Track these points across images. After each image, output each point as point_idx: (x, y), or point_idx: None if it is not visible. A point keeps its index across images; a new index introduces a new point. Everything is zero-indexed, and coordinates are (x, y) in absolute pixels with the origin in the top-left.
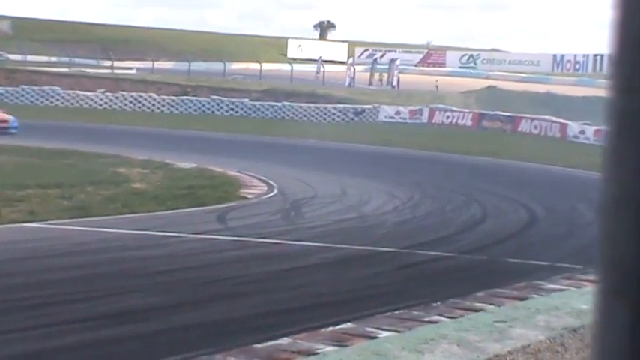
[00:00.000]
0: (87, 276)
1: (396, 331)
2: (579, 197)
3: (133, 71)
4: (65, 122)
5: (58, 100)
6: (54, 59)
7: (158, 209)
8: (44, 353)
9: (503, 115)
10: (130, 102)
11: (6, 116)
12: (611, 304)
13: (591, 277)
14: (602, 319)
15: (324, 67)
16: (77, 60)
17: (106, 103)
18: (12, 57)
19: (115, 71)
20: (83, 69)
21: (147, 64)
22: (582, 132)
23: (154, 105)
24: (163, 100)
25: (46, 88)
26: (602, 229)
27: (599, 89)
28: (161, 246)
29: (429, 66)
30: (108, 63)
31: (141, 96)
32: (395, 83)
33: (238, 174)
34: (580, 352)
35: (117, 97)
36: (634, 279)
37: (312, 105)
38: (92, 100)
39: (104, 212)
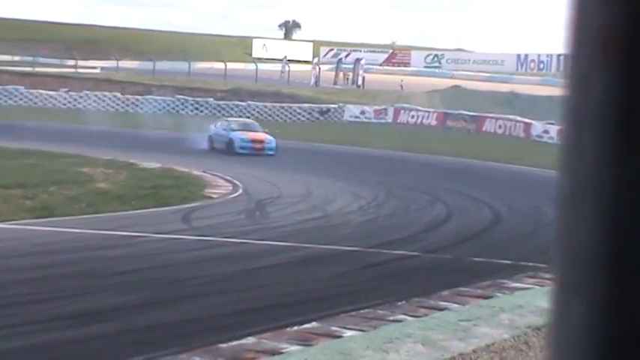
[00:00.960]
0: (50, 276)
1: (360, 330)
2: (543, 196)
3: (97, 71)
4: (28, 122)
5: (21, 99)
6: (17, 58)
7: (122, 209)
8: (7, 354)
9: (468, 115)
10: (94, 101)
11: (265, 136)
12: (568, 297)
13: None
14: (560, 312)
15: (289, 67)
16: (41, 59)
17: (69, 102)
18: None
19: (79, 71)
20: (47, 68)
21: (111, 63)
22: (546, 131)
23: (118, 104)
24: (128, 99)
25: (9, 87)
26: (560, 222)
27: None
28: (125, 246)
29: (393, 65)
30: (72, 62)
31: (105, 95)
32: (360, 83)
33: (203, 174)
34: (544, 351)
35: (81, 97)
36: (591, 272)
37: (277, 104)
38: (56, 99)
39: (68, 212)
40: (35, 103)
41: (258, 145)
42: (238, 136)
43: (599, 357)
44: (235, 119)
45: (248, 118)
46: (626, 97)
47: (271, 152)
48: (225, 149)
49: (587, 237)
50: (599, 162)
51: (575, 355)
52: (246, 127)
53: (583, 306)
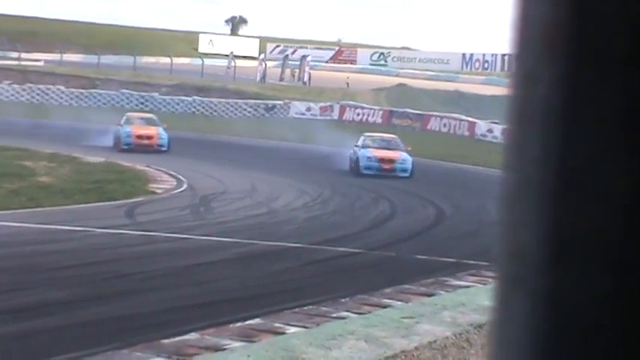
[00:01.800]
0: None
1: (304, 327)
2: (487, 195)
3: (41, 63)
4: None
5: None
6: None
7: (65, 203)
8: None
9: (413, 113)
10: (38, 94)
11: (399, 155)
12: (510, 294)
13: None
14: (502, 309)
15: (235, 63)
16: None
17: (12, 95)
18: None
19: (22, 63)
20: None
21: (55, 56)
22: (490, 130)
23: (61, 98)
24: (72, 92)
25: None
26: (503, 219)
27: (508, 88)
28: (67, 240)
29: (340, 63)
30: (15, 55)
31: (49, 88)
32: (306, 79)
33: (147, 168)
34: (485, 349)
35: (24, 90)
36: (532, 268)
37: (222, 100)
38: None
39: (8, 206)
40: None
41: (386, 166)
42: (365, 154)
43: (541, 353)
44: (372, 134)
45: (194, 113)
46: (570, 93)
47: (405, 174)
48: (352, 169)
49: (530, 233)
50: (543, 159)
51: (517, 351)
52: (379, 144)
53: (525, 302)
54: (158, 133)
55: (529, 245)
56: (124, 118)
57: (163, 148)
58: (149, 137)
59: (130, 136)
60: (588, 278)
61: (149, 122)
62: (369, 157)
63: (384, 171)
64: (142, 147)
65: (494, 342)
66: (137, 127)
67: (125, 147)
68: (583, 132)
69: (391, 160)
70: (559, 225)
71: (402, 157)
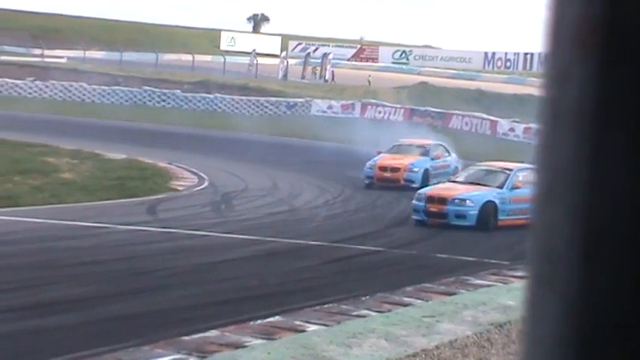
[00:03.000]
0: (12, 266)
1: (324, 324)
2: None
3: (64, 60)
4: None
5: None
6: None
7: (87, 200)
8: None
9: (434, 112)
10: (61, 91)
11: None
12: (541, 294)
13: (518, 274)
14: (533, 309)
15: (257, 60)
16: (6, 48)
17: (35, 91)
18: None
19: (46, 60)
20: (12, 57)
21: (78, 53)
22: (512, 129)
23: (84, 95)
24: (94, 89)
25: None
26: (535, 218)
27: (529, 87)
28: (89, 237)
29: (361, 61)
30: (38, 51)
31: (72, 85)
32: (328, 77)
33: (169, 165)
34: (506, 348)
35: (47, 86)
36: (565, 268)
37: (244, 98)
38: (21, 88)
39: (32, 202)
40: (0, 91)
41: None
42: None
43: (572, 351)
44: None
45: (215, 110)
46: (602, 92)
47: (412, 184)
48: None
49: (562, 233)
50: (576, 158)
51: (548, 349)
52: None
53: (556, 301)
54: (408, 165)
55: (560, 245)
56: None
57: (413, 185)
58: (394, 170)
59: (372, 167)
60: (618, 279)
61: (416, 151)
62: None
63: (383, 181)
64: (383, 182)
65: (525, 340)
66: (387, 157)
67: (366, 181)
68: (615, 131)
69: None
70: (590, 226)
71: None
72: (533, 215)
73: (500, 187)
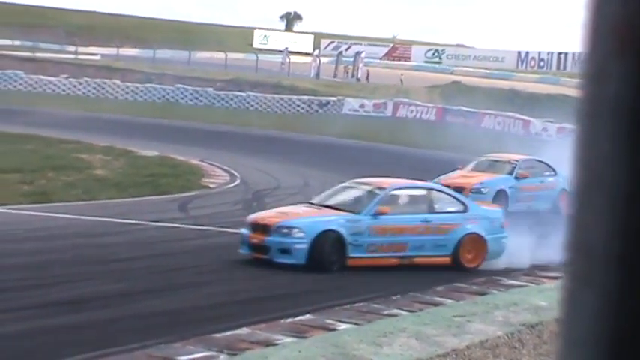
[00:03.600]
0: (45, 262)
1: (355, 323)
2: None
3: (97, 57)
4: (27, 107)
5: (20, 84)
6: (17, 43)
7: (119, 196)
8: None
9: (467, 111)
10: (94, 88)
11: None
12: (577, 290)
13: (550, 274)
14: (570, 305)
15: (289, 58)
16: (41, 45)
17: (69, 88)
18: None
19: (79, 57)
20: (47, 54)
21: (111, 50)
22: (545, 129)
23: (117, 92)
24: (127, 87)
25: (8, 72)
26: (573, 214)
27: (563, 87)
28: (121, 233)
29: (394, 60)
30: (72, 49)
31: (105, 82)
32: (360, 76)
33: (201, 163)
34: (537, 348)
35: (80, 83)
36: (602, 265)
37: (276, 96)
38: (55, 85)
39: (65, 198)
40: (35, 88)
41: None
42: None
43: (609, 348)
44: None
45: (247, 108)
46: None
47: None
48: None
49: (599, 230)
50: (613, 156)
51: (585, 345)
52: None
53: (592, 298)
54: (475, 185)
55: (597, 243)
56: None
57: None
58: (457, 190)
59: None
60: None
61: (502, 168)
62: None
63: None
64: None
65: (561, 338)
66: (458, 175)
67: None
68: None
69: (458, 189)
70: (627, 223)
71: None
72: (570, 211)
73: (358, 212)
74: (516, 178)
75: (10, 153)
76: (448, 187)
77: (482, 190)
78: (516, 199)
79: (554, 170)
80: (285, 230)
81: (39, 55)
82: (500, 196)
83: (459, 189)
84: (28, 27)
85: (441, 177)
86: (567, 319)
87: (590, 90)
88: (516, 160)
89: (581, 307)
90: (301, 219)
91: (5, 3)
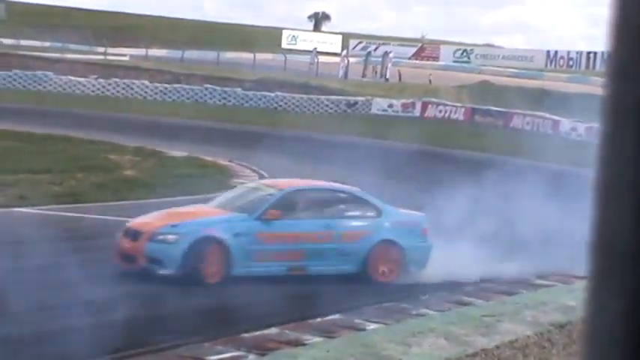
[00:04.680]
0: (73, 262)
1: (383, 323)
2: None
3: (126, 58)
4: (57, 108)
5: (50, 85)
6: (47, 44)
7: (149, 197)
8: (51, 335)
9: (496, 111)
10: (123, 89)
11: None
12: (600, 289)
13: (580, 274)
14: (594, 304)
15: (317, 59)
16: (70, 46)
17: (98, 89)
18: (5, 42)
19: (108, 58)
20: (76, 55)
21: (140, 51)
22: (574, 129)
23: (146, 92)
24: (156, 87)
25: (38, 73)
26: (595, 213)
27: (592, 86)
28: None
29: (422, 59)
30: (101, 49)
31: (133, 83)
32: (389, 76)
33: (230, 163)
34: (567, 348)
35: (109, 84)
36: (625, 264)
37: (304, 96)
38: (84, 86)
39: (94, 199)
40: (64, 89)
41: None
42: None
43: (633, 345)
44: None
45: (276, 108)
46: None
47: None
48: None
49: (622, 229)
50: (637, 155)
51: (609, 342)
52: None
53: (615, 297)
54: (159, 229)
55: (620, 242)
56: None
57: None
58: (137, 234)
59: None
60: None
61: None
62: None
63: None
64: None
65: (586, 336)
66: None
67: None
68: None
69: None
70: None
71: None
72: (593, 211)
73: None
74: (260, 219)
75: (40, 154)
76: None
77: (169, 237)
78: (250, 255)
79: (376, 209)
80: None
81: (68, 56)
82: (206, 249)
83: (136, 234)
84: (57, 28)
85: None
86: (591, 318)
87: (613, 89)
88: (283, 189)
89: (604, 305)
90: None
91: (34, 4)
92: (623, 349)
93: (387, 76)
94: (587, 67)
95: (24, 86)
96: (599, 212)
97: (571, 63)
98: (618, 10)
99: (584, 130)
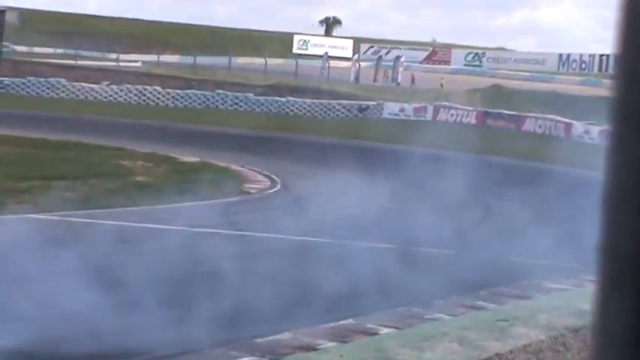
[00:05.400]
0: (86, 268)
1: (396, 328)
2: (584, 197)
3: (138, 64)
4: (70, 114)
5: (63, 91)
6: (59, 51)
7: (161, 202)
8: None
9: (508, 114)
10: (135, 95)
11: None
12: (609, 293)
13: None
14: (603, 308)
15: (329, 63)
16: (83, 52)
17: (110, 95)
18: (18, 48)
19: (120, 64)
20: (88, 61)
21: (152, 57)
22: (587, 132)
23: (158, 98)
24: (168, 93)
25: (51, 79)
26: (604, 217)
27: (605, 89)
28: (163, 239)
29: (434, 63)
30: (113, 56)
31: (145, 89)
32: (401, 80)
33: (241, 168)
34: (582, 353)
35: (122, 90)
36: (634, 267)
37: (316, 101)
38: (97, 92)
39: (107, 204)
40: (77, 95)
41: None
42: None
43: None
44: None
45: (287, 113)
46: None
47: None
48: None
49: (631, 233)
50: None
51: (618, 347)
52: None
53: (625, 301)
54: None
55: (628, 245)
56: None
57: None
58: None
59: None
60: None
61: None
62: None
63: None
64: None
65: (595, 340)
66: None
67: None
68: None
69: None
70: None
71: None
72: (602, 215)
73: None
74: None
75: (54, 160)
76: None
77: None
78: None
79: None
80: None
81: (81, 62)
82: None
83: None
84: (70, 35)
85: None
86: (599, 322)
87: (621, 93)
88: None
89: (612, 308)
90: None
91: (47, 11)
92: (633, 353)
93: (399, 81)
94: (600, 69)
95: (37, 93)
96: (608, 215)
97: (583, 66)
98: (624, 11)
99: (597, 133)
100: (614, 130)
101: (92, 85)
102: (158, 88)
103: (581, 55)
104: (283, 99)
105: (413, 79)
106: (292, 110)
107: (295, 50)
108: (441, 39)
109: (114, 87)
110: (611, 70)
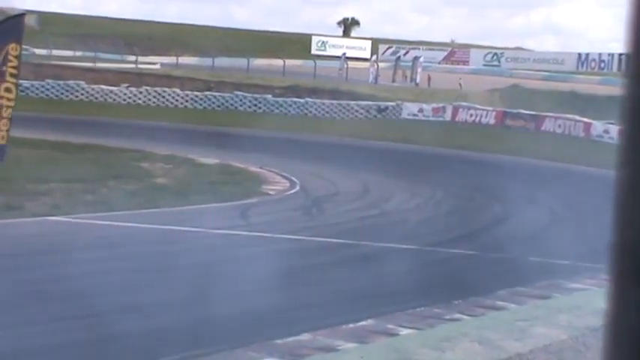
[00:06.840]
0: (105, 269)
1: (416, 328)
2: (603, 196)
3: (157, 66)
4: (89, 116)
5: (82, 94)
6: (79, 54)
7: (180, 204)
8: (45, 348)
9: (527, 114)
10: (154, 97)
11: None
12: (624, 287)
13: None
14: (616, 301)
15: (347, 64)
16: (101, 55)
17: (129, 98)
18: (37, 51)
19: (139, 66)
20: (107, 64)
21: (171, 59)
22: (606, 131)
23: (177, 100)
24: (187, 95)
25: (70, 82)
26: (617, 214)
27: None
28: (182, 241)
29: (452, 64)
30: (132, 58)
31: (164, 91)
32: (419, 80)
33: (260, 170)
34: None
35: (141, 92)
36: None
37: (335, 102)
38: (116, 94)
39: (126, 206)
40: (96, 98)
41: None
42: None
43: None
44: None
45: (306, 114)
46: None
47: None
48: None
49: None
50: None
51: (631, 341)
52: None
53: (638, 296)
54: None
55: None
56: None
57: None
58: None
59: None
60: None
61: None
62: None
63: None
64: None
65: (609, 333)
66: None
67: None
68: None
69: None
70: None
71: None
72: (614, 211)
73: None
74: None
75: (73, 163)
76: None
77: None
78: None
79: None
80: None
81: (100, 65)
82: None
83: None
84: (89, 37)
85: None
86: (613, 315)
87: (633, 91)
88: None
89: (626, 303)
90: None
91: (66, 14)
92: None
93: (417, 81)
94: (620, 69)
95: (56, 95)
96: (621, 213)
97: (602, 65)
98: (635, 11)
99: (616, 132)
100: (626, 128)
101: (111, 88)
102: (177, 90)
103: (600, 55)
104: (302, 100)
105: (429, 80)
106: (311, 111)
107: (313, 51)
108: (460, 39)
109: (133, 89)
110: None
